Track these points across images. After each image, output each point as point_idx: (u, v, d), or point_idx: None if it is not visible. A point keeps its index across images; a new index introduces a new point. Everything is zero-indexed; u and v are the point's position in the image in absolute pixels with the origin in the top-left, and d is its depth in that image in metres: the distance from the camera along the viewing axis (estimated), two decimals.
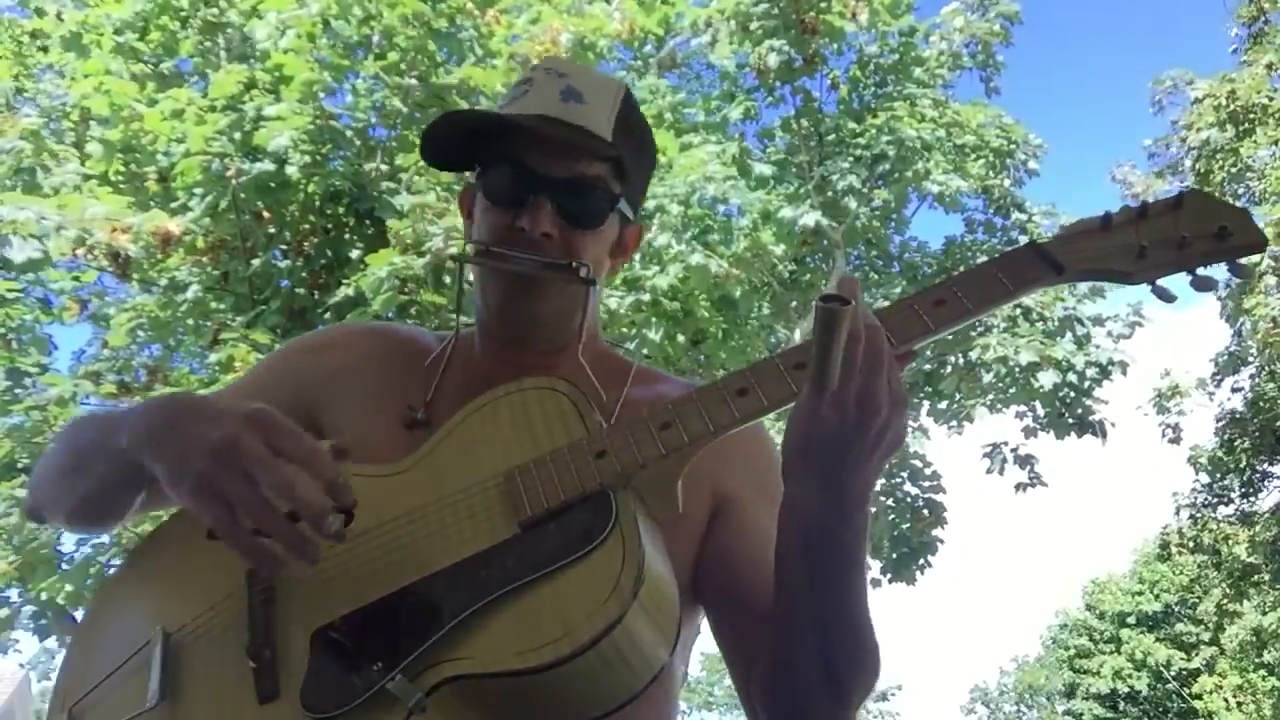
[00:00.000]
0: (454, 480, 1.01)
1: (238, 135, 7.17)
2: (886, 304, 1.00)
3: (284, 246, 7.85)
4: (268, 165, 7.01)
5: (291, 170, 7.10)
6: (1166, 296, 1.00)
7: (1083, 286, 11.03)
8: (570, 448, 0.98)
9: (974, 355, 10.41)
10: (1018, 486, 11.07)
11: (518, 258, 1.10)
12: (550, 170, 1.11)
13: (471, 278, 1.20)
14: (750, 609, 1.07)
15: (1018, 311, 10.38)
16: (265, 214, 7.60)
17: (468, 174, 1.24)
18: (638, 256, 8.24)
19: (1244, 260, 0.99)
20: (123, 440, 0.99)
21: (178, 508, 1.10)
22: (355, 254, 7.51)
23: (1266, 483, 16.07)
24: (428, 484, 1.02)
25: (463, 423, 1.07)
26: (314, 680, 0.91)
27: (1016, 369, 10.14)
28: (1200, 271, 0.98)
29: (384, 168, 7.64)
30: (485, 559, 0.93)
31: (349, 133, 7.63)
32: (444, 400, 1.14)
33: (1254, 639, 21.07)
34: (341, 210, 7.75)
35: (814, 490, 0.93)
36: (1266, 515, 15.96)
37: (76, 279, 8.30)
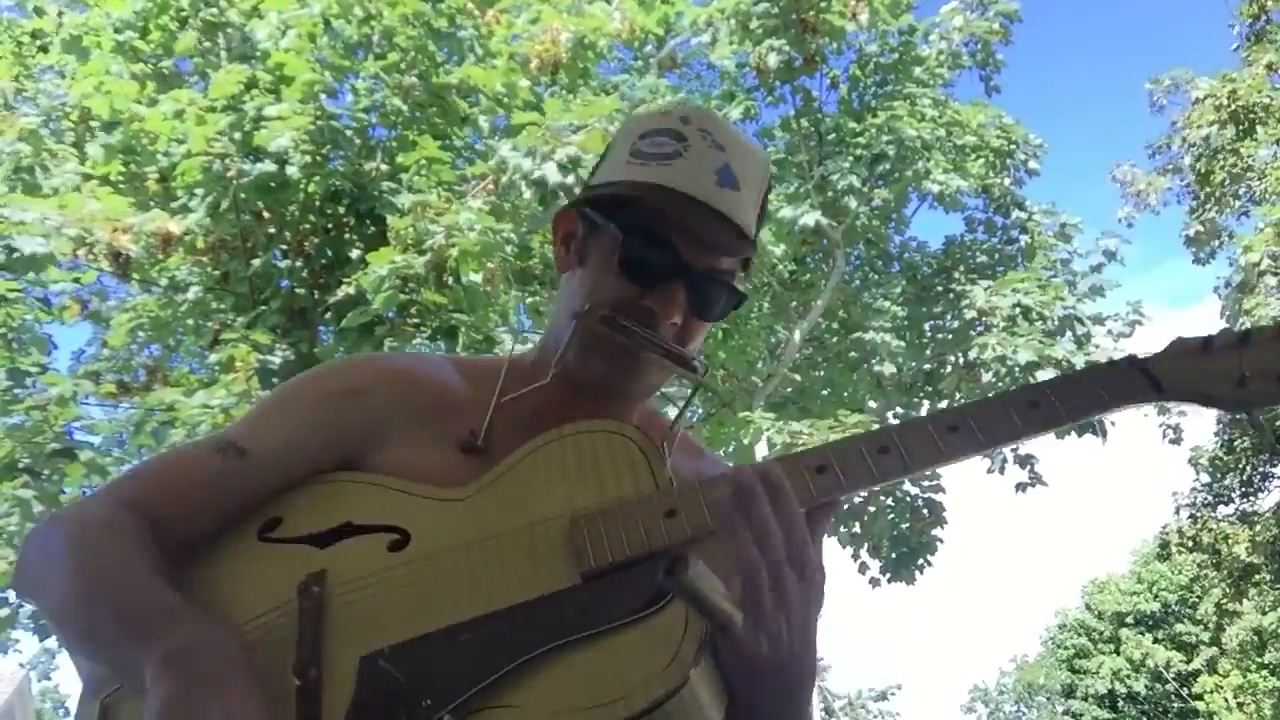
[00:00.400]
0: (515, 515, 0.99)
1: (237, 135, 7.17)
2: (980, 398, 0.99)
3: (284, 246, 7.86)
4: (269, 166, 7.02)
5: (292, 170, 7.11)
6: (1260, 427, 1.06)
7: (1083, 285, 11.05)
8: (640, 502, 0.97)
9: (973, 355, 10.41)
10: (1018, 486, 11.07)
11: (645, 339, 1.08)
12: (692, 259, 1.08)
13: (569, 328, 1.15)
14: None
15: (1017, 311, 10.39)
16: (265, 214, 7.60)
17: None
18: None
19: None
20: (142, 666, 0.87)
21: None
22: (355, 254, 7.52)
23: (1266, 483, 16.08)
24: (488, 516, 1.00)
25: (527, 456, 1.04)
26: (359, 710, 0.89)
27: (1016, 368, 10.14)
28: None
29: (384, 167, 7.64)
30: (544, 605, 0.91)
31: (349, 132, 7.64)
32: (500, 427, 1.11)
33: (1254, 639, 21.08)
34: (342, 210, 7.76)
35: (765, 691, 0.91)
36: (1267, 515, 15.97)
37: (76, 279, 8.31)
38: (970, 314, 10.53)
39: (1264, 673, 24.81)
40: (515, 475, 1.03)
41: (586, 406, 1.12)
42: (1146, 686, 29.94)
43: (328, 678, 0.91)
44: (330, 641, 0.94)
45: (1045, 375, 9.90)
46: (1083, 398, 0.99)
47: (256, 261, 7.63)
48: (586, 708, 0.83)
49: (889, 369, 11.04)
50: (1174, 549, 17.84)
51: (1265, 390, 0.99)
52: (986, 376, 10.53)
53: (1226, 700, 26.93)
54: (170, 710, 0.81)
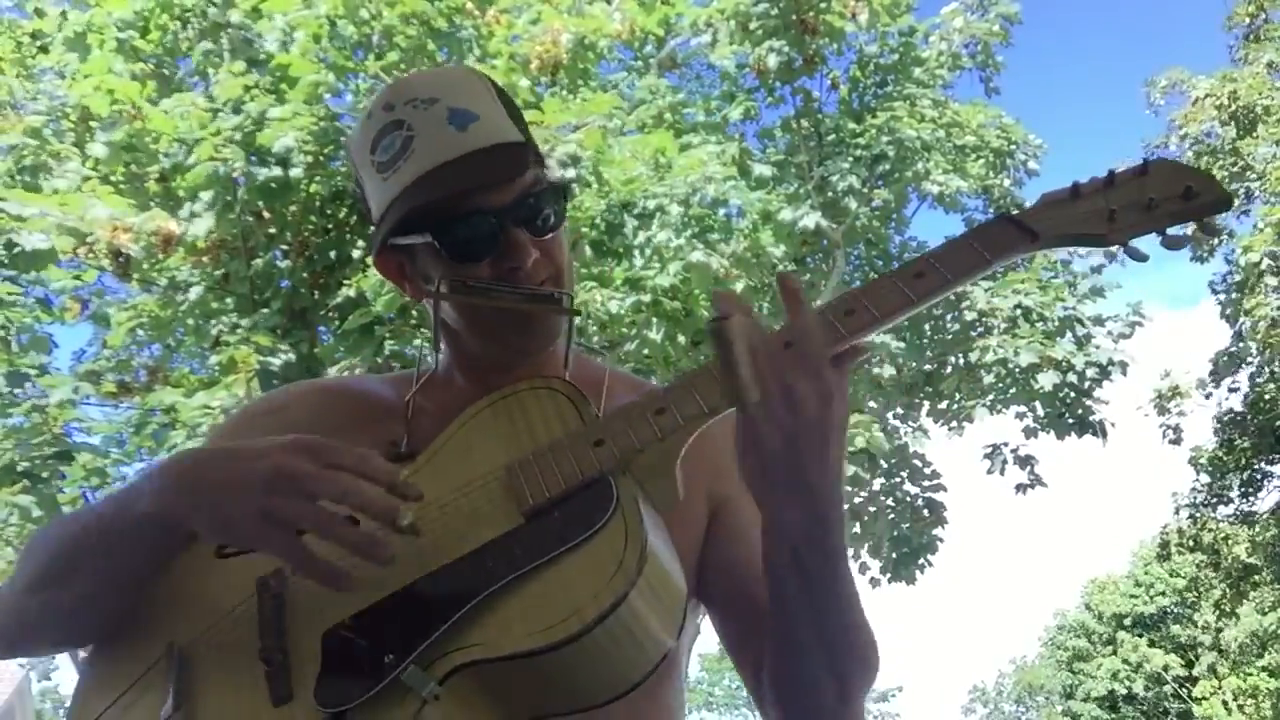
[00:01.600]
0: (455, 480, 1.02)
1: (238, 136, 7.17)
2: (871, 279, 1.01)
3: (285, 247, 7.85)
4: (275, 171, 7.02)
5: (295, 172, 7.10)
6: (1138, 256, 1.03)
7: (1083, 286, 11.03)
8: (568, 438, 1.00)
9: (974, 357, 10.41)
10: (1018, 487, 11.07)
11: (501, 293, 1.09)
12: (498, 201, 1.07)
13: (447, 315, 1.16)
14: (754, 609, 1.08)
15: (1018, 312, 10.38)
16: (266, 214, 7.60)
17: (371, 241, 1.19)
18: (638, 255, 8.24)
19: (1210, 219, 1.02)
20: (144, 505, 0.95)
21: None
22: (357, 254, 7.51)
23: (1266, 483, 16.07)
24: (429, 487, 1.02)
25: (461, 427, 1.08)
26: (327, 677, 0.92)
27: (1017, 370, 10.14)
28: (1170, 231, 1.01)
29: None
30: (491, 549, 0.94)
31: (350, 131, 7.64)
32: (423, 432, 1.13)
33: (1253, 640, 21.07)
34: (344, 210, 7.75)
35: (787, 504, 0.94)
36: (1266, 515, 15.96)
37: (77, 278, 8.30)
38: (971, 315, 10.52)
39: (1264, 674, 24.79)
40: (450, 447, 1.07)
41: (501, 382, 1.14)
42: (1145, 688, 29.94)
43: (295, 658, 0.94)
44: (293, 626, 0.97)
45: (1046, 377, 9.94)
46: (964, 258, 1.01)
47: (259, 262, 7.63)
48: (543, 629, 0.86)
49: (889, 370, 11.04)
50: (1174, 549, 17.83)
51: (1135, 220, 1.01)
52: (988, 378, 10.53)
53: (1226, 702, 26.91)
54: (196, 466, 0.95)
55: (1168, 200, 1.01)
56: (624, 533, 0.90)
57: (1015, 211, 1.06)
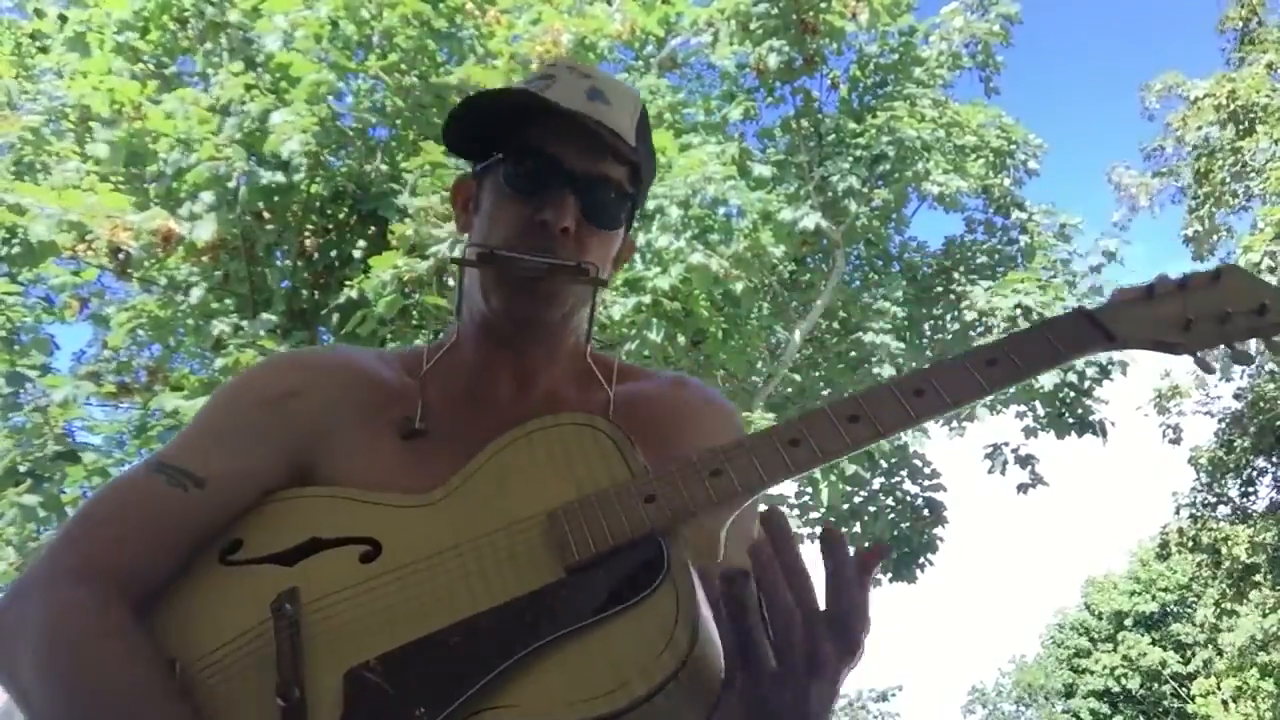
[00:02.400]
0: (491, 517, 0.98)
1: (238, 136, 7.17)
2: (938, 359, 1.01)
3: (285, 247, 7.86)
4: (279, 176, 7.03)
5: (298, 175, 7.11)
6: (1207, 368, 1.06)
7: (1082, 285, 11.05)
8: (617, 490, 0.96)
9: None
10: (1019, 487, 11.07)
11: (524, 260, 1.07)
12: (576, 166, 1.09)
13: (466, 279, 1.17)
14: None
15: (1018, 312, 10.39)
16: (266, 214, 7.60)
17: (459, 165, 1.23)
18: (638, 257, 8.24)
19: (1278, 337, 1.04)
20: None
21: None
22: (358, 254, 7.52)
23: (1262, 479, 16.08)
24: (463, 519, 0.98)
25: (497, 455, 1.03)
26: None
27: None
28: (1238, 346, 1.04)
29: (384, 168, 7.64)
30: (531, 602, 0.90)
31: (350, 132, 7.64)
32: (437, 406, 1.12)
33: (1252, 641, 21.05)
34: (345, 211, 7.76)
35: None
36: (1265, 515, 15.96)
37: (76, 274, 8.30)
38: (970, 315, 10.53)
39: (1263, 675, 24.78)
40: (484, 476, 1.02)
41: (509, 357, 1.14)
42: (1144, 687, 29.95)
43: (312, 696, 0.89)
44: (311, 659, 0.91)
45: (1046, 376, 9.92)
46: (1038, 351, 1.01)
47: (269, 271, 7.64)
48: (586, 699, 0.82)
49: (889, 370, 11.04)
50: (1174, 549, 17.83)
51: (1210, 332, 1.03)
52: None
53: (1225, 703, 26.91)
54: None
55: (1242, 315, 1.03)
56: (675, 603, 0.86)
57: (1092, 307, 1.06)
